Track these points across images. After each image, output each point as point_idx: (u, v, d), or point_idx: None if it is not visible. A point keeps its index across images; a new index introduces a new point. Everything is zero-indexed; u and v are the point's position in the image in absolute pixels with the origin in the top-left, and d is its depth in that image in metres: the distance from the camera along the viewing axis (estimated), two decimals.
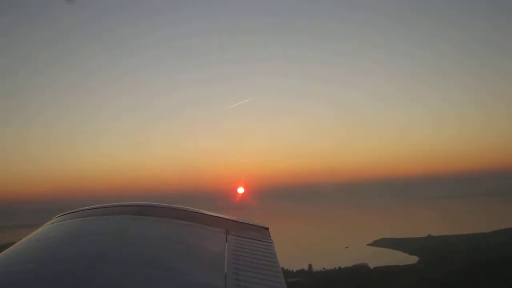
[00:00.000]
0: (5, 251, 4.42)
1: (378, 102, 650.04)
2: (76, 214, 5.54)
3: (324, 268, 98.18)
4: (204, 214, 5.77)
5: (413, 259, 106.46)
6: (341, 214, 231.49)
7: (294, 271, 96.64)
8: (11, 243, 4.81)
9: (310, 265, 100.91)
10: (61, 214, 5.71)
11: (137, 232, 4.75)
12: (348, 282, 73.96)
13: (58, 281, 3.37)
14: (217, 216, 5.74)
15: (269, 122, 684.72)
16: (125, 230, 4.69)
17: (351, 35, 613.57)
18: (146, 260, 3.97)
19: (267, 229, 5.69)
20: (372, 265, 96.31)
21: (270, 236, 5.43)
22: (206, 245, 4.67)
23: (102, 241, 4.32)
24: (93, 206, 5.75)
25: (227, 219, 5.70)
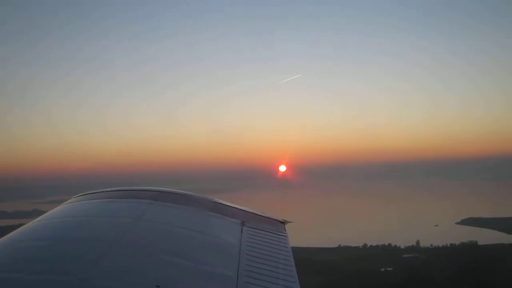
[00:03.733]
0: (22, 227, 4.55)
1: (439, 80, 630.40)
2: (95, 195, 5.58)
3: (431, 245, 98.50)
4: (221, 204, 5.77)
5: None
6: (408, 193, 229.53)
7: (403, 247, 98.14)
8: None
9: (418, 241, 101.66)
10: (79, 195, 5.77)
11: (153, 217, 4.78)
12: (468, 257, 75.73)
13: (71, 260, 3.43)
14: (234, 207, 5.79)
15: (318, 99, 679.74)
16: (142, 214, 4.73)
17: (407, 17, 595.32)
18: (161, 246, 4.03)
19: (283, 222, 5.73)
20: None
21: (285, 230, 5.47)
22: (221, 235, 4.68)
23: (118, 224, 4.36)
24: (112, 189, 5.78)
25: (243, 210, 5.74)
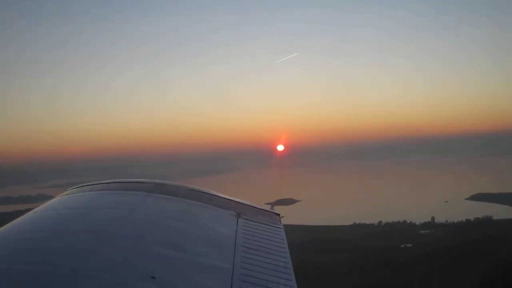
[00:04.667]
0: (18, 219, 4.60)
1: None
2: (90, 188, 5.62)
3: (447, 221, 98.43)
4: (216, 196, 5.81)
5: None
6: (413, 170, 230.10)
7: (418, 223, 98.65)
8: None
9: (433, 218, 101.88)
10: (75, 187, 5.83)
11: (148, 209, 4.81)
12: (485, 232, 75.86)
13: (66, 252, 3.45)
14: (229, 199, 5.82)
15: (316, 77, 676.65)
16: (137, 206, 4.75)
17: None
18: (156, 238, 4.06)
19: (278, 214, 5.77)
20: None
21: (280, 222, 5.52)
22: (217, 227, 4.71)
23: (113, 216, 4.38)
24: (107, 181, 5.82)
25: (239, 202, 5.77)
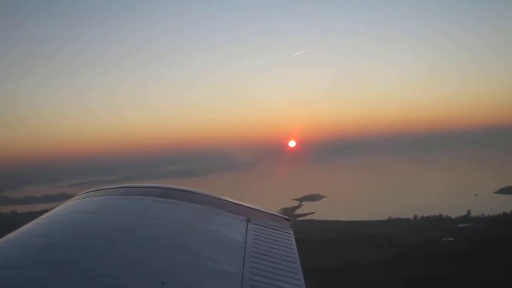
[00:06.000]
0: (29, 224, 4.65)
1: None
2: (101, 192, 5.65)
3: (483, 214, 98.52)
4: (226, 200, 5.82)
5: None
6: (437, 164, 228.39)
7: (454, 217, 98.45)
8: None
9: (468, 211, 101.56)
10: (85, 192, 5.87)
11: (159, 214, 4.83)
12: None
13: (77, 257, 3.51)
14: (239, 204, 5.82)
15: (326, 73, 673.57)
16: (147, 211, 4.80)
17: None
18: (166, 243, 4.08)
19: (288, 219, 5.79)
20: None
21: (290, 227, 5.51)
22: (227, 232, 4.73)
23: (124, 221, 4.43)
24: (117, 186, 5.91)
25: (248, 207, 5.79)
